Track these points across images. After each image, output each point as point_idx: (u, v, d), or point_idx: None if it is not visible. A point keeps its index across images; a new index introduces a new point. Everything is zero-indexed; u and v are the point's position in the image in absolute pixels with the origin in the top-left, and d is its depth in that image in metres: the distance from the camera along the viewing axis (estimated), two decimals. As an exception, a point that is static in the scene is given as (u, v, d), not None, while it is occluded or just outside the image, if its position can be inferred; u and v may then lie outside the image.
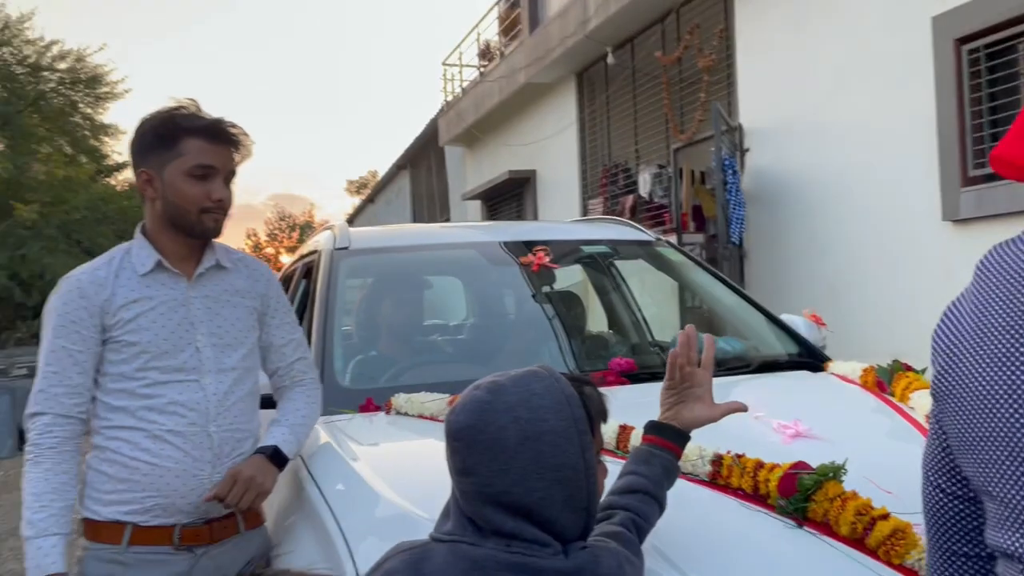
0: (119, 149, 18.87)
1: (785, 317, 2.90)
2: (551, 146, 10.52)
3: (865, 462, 1.55)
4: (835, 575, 1.29)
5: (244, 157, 1.79)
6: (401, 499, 1.58)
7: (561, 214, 10.44)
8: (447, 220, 15.83)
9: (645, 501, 1.27)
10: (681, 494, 1.42)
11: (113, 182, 20.08)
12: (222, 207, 1.75)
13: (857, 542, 1.33)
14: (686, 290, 3.37)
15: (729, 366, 2.53)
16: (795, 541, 1.36)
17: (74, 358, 1.69)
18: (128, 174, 21.18)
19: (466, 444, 1.09)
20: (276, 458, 1.76)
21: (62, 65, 17.57)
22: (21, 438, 10.23)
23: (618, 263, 3.37)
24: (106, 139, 20.11)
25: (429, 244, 3.08)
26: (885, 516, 1.33)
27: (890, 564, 1.29)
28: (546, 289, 2.95)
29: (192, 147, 1.71)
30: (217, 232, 1.78)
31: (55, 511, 1.63)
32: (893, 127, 5.38)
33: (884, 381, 2.15)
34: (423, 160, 17.91)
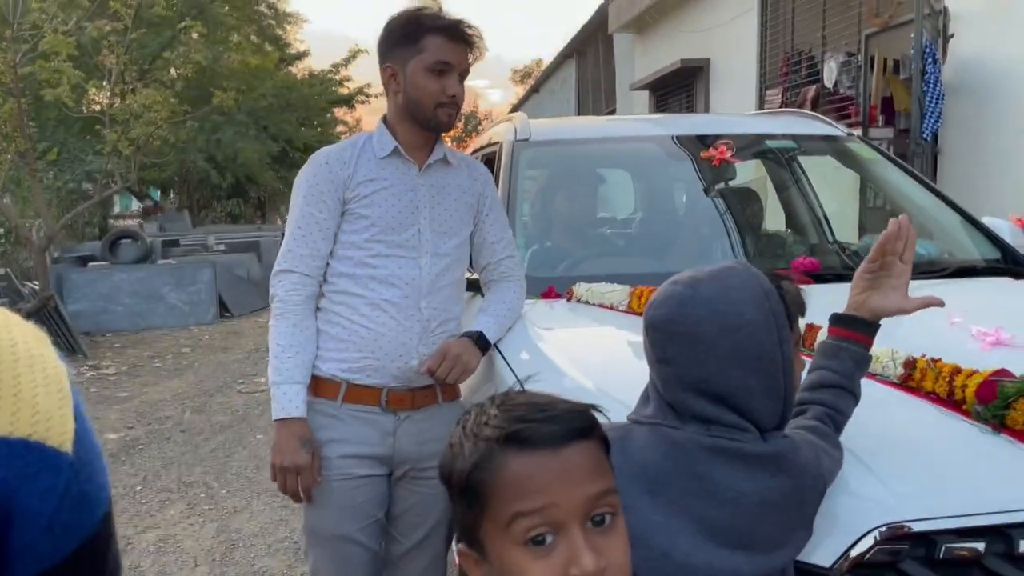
0: (301, 37, 19.67)
1: (987, 220, 2.72)
2: (728, 32, 9.97)
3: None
4: (1033, 483, 1.27)
5: (477, 58, 1.91)
6: (584, 377, 1.68)
7: (734, 106, 9.98)
8: (613, 111, 15.52)
9: (838, 395, 1.29)
10: (869, 395, 1.42)
11: (295, 70, 21.06)
12: (455, 102, 1.87)
13: (1059, 453, 1.30)
14: (878, 190, 3.19)
15: (923, 269, 2.43)
16: (993, 446, 1.34)
17: (320, 224, 1.88)
18: (308, 62, 22.09)
19: (665, 335, 1.14)
20: (481, 342, 1.92)
21: (246, -45, 18.27)
22: (223, 307, 11.24)
23: (803, 159, 3.24)
24: (288, 27, 21.00)
25: (609, 137, 3.09)
26: (1093, 429, 1.28)
27: (1094, 476, 1.26)
28: (725, 184, 2.90)
29: (433, 44, 1.83)
30: (451, 126, 1.91)
31: (300, 362, 1.85)
32: None
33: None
34: (590, 48, 17.48)
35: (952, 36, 6.26)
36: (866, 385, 1.50)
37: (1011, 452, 1.32)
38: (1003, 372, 1.41)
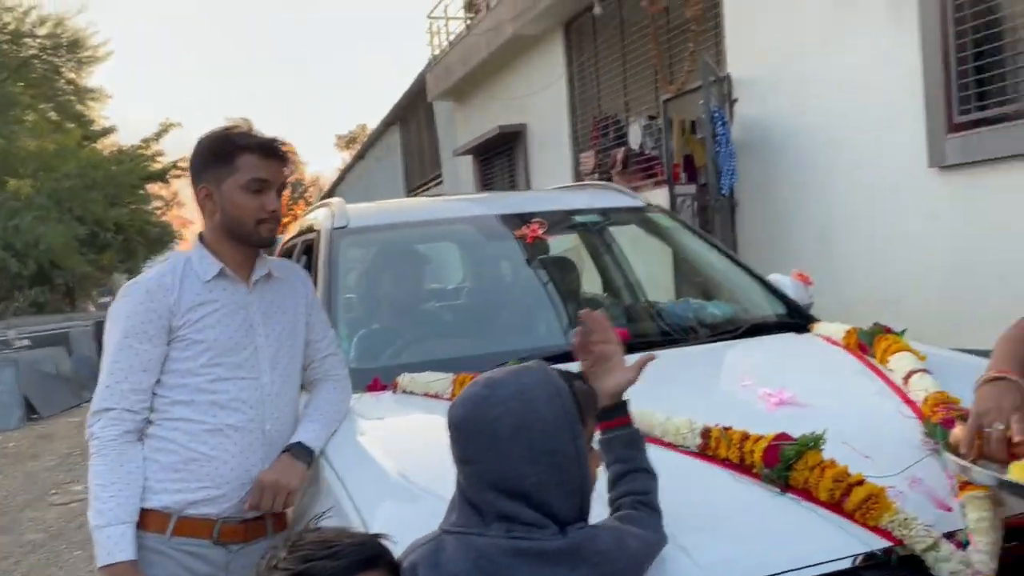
0: (105, 114, 18.73)
1: (773, 277, 3.00)
2: (541, 99, 10.49)
3: (844, 427, 1.66)
4: (815, 538, 1.41)
5: (291, 171, 1.93)
6: (411, 475, 1.70)
7: (553, 168, 10.46)
8: (439, 176, 15.80)
9: (633, 479, 1.38)
10: (672, 466, 1.53)
11: (100, 147, 19.95)
12: (276, 217, 1.89)
13: (835, 506, 1.45)
14: (679, 254, 3.45)
15: (720, 330, 2.64)
16: (778, 507, 1.47)
17: (141, 357, 1.80)
18: (115, 139, 20.99)
19: (466, 435, 1.20)
20: (302, 454, 1.88)
21: (42, 31, 17.32)
22: (30, 408, 10.28)
23: (612, 228, 3.45)
24: (92, 104, 19.93)
25: (426, 220, 3.16)
26: (860, 482, 1.44)
27: (866, 526, 1.41)
28: (541, 258, 3.03)
29: (247, 163, 1.84)
30: (272, 241, 1.92)
31: (123, 499, 1.74)
32: (879, 75, 5.41)
33: (865, 343, 2.26)
34: (412, 116, 17.79)
35: (736, 100, 6.92)
36: (668, 457, 1.62)
37: (796, 511, 1.46)
38: (783, 436, 1.56)
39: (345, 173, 29.91)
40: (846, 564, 1.35)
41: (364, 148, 24.89)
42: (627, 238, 3.49)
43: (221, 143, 1.86)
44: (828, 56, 5.85)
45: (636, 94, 8.83)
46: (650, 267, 3.66)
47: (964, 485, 1.45)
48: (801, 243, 6.25)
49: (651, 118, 8.44)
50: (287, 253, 3.33)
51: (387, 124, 19.93)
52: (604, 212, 3.26)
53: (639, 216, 3.27)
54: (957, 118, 4.93)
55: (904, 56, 5.16)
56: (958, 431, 1.48)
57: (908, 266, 5.35)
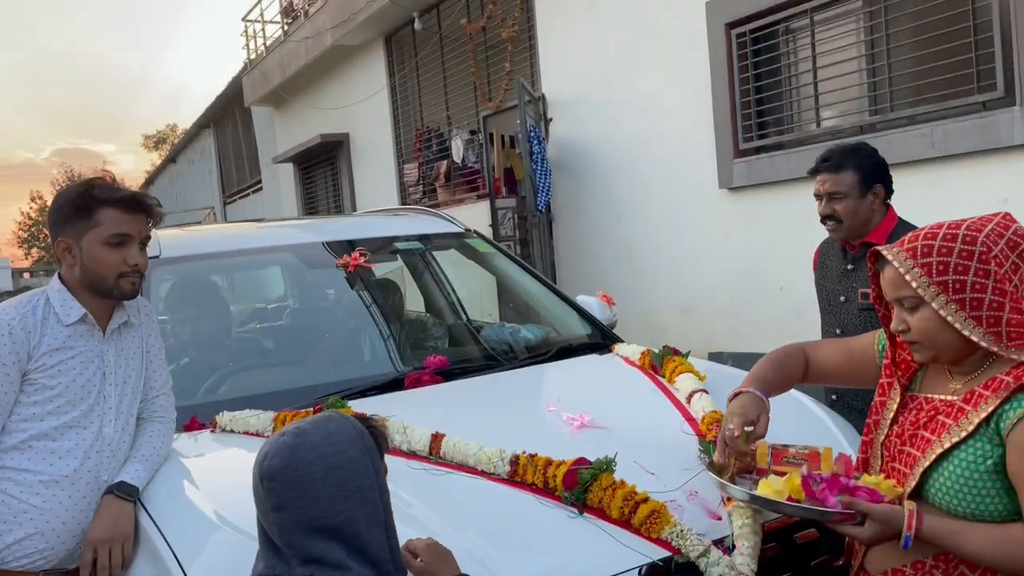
0: None
1: (580, 299, 3.24)
2: (363, 110, 10.46)
3: (635, 446, 1.88)
4: (606, 552, 1.59)
5: (156, 223, 1.92)
6: (232, 520, 1.73)
7: (377, 178, 10.45)
8: (258, 183, 15.31)
9: None
10: (485, 492, 1.67)
11: None
12: (138, 271, 1.86)
13: (625, 522, 1.64)
14: (496, 277, 3.64)
15: (533, 354, 2.83)
16: (576, 527, 1.65)
17: None
18: None
19: (281, 483, 1.28)
20: (125, 491, 1.86)
21: None
22: None
23: (434, 252, 3.57)
24: None
25: (245, 249, 3.13)
26: (646, 499, 1.65)
27: (650, 539, 1.61)
28: (364, 283, 3.10)
29: (108, 217, 1.82)
30: (134, 294, 1.89)
31: None
32: (675, 102, 5.89)
33: (656, 364, 2.52)
34: (228, 119, 17.10)
35: (551, 120, 7.27)
36: (481, 484, 1.76)
37: (591, 529, 1.64)
38: (582, 460, 1.74)
39: (154, 176, 28.21)
40: (633, 575, 1.54)
41: (176, 151, 23.61)
42: (448, 261, 3.63)
43: (81, 197, 1.83)
44: (631, 82, 6.29)
45: (458, 108, 9.03)
46: (469, 290, 3.82)
47: (729, 499, 1.69)
48: (612, 257, 6.68)
49: (472, 132, 8.67)
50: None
51: (200, 127, 19.04)
52: (425, 238, 3.38)
53: (458, 241, 3.41)
54: (742, 145, 5.47)
55: (697, 85, 5.66)
56: (718, 455, 1.72)
57: (703, 278, 5.87)
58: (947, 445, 1.40)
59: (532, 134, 6.70)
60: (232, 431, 2.21)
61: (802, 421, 2.13)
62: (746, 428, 1.66)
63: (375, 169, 10.52)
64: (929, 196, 4.03)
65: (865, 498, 1.42)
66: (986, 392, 1.39)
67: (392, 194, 10.00)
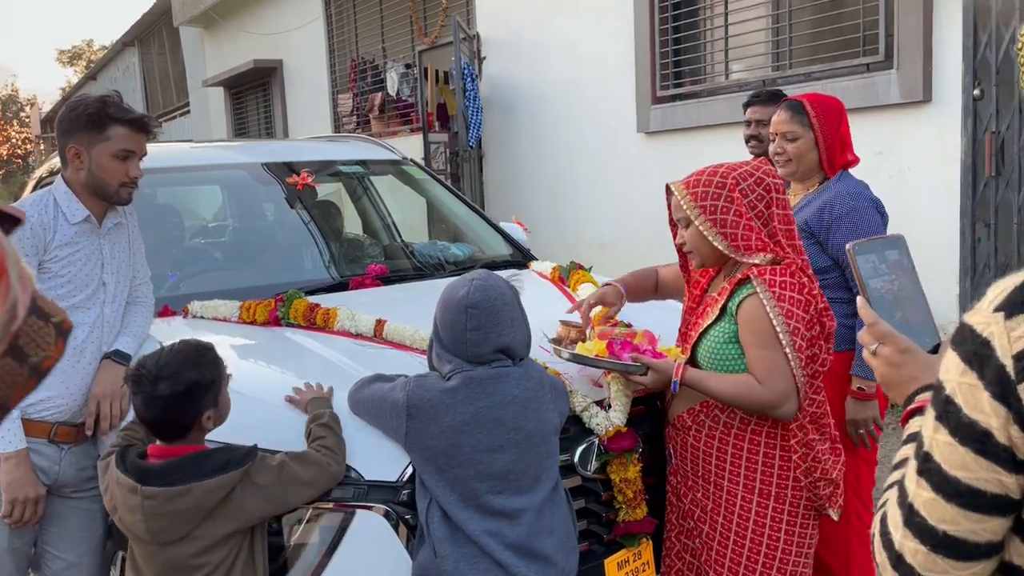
0: None
1: (503, 224, 3.67)
2: (297, 37, 10.49)
3: (541, 336, 2.33)
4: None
5: (153, 139, 2.26)
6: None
7: (310, 107, 10.56)
8: (186, 106, 15.09)
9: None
10: (414, 362, 2.11)
11: None
12: (135, 182, 2.19)
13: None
14: (430, 202, 4.04)
15: (461, 266, 3.26)
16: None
17: None
18: None
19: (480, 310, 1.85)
20: (120, 358, 2.23)
21: None
22: None
23: (372, 178, 3.94)
24: None
25: (196, 165, 3.44)
26: (545, 369, 2.11)
27: (546, 397, 2.08)
28: (309, 202, 3.46)
29: (118, 134, 2.13)
30: (130, 201, 2.23)
31: None
32: (601, 49, 6.29)
33: (564, 276, 2.98)
34: (155, 38, 16.65)
35: (485, 58, 7.57)
36: (411, 357, 2.20)
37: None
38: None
39: (73, 93, 27.08)
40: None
41: (96, 68, 22.76)
42: (384, 186, 4.00)
43: (96, 112, 2.12)
44: (560, 26, 6.64)
45: (393, 41, 9.20)
46: (404, 213, 4.21)
47: (609, 371, 2.17)
48: (537, 193, 7.11)
49: (408, 66, 8.88)
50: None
51: (124, 44, 18.44)
52: (364, 163, 3.74)
53: (395, 168, 3.79)
54: (659, 92, 5.93)
55: (621, 34, 6.07)
56: (560, 330, 2.25)
57: (621, 216, 6.36)
58: (704, 325, 1.99)
59: (466, 71, 7.00)
60: (202, 317, 2.58)
61: (663, 316, 2.62)
62: (605, 308, 2.25)
63: (309, 97, 10.61)
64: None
65: (650, 356, 2.02)
66: (728, 286, 1.95)
67: (326, 124, 10.15)
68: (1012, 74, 4.21)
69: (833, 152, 2.48)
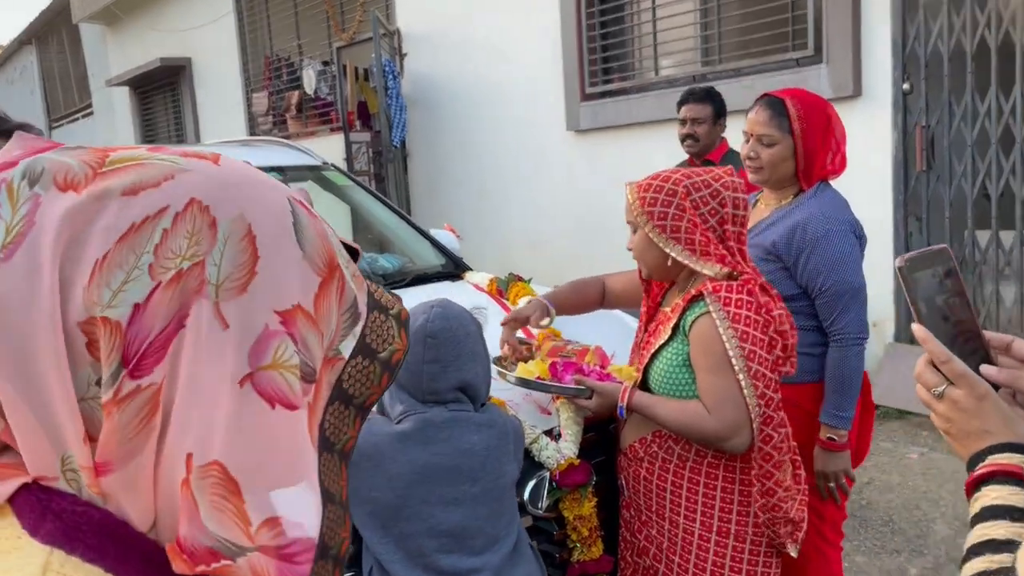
0: None
1: (434, 232, 3.45)
2: (207, 34, 9.99)
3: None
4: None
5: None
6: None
7: (223, 106, 10.08)
8: (89, 107, 14.30)
9: None
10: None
11: None
12: None
13: (470, 419, 1.90)
14: (355, 210, 3.78)
15: (391, 280, 3.03)
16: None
17: None
18: None
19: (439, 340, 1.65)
20: None
21: None
22: None
23: (291, 184, 3.66)
24: None
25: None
26: (489, 399, 1.92)
27: (491, 431, 1.88)
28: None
29: None
30: None
31: None
32: (528, 45, 6.12)
33: (503, 289, 2.79)
34: (53, 36, 15.73)
35: (406, 55, 7.31)
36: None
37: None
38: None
39: (-35, 95, 25.50)
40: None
41: (-10, 68, 21.43)
42: (311, 194, 3.73)
43: None
44: (486, 23, 6.44)
45: (309, 38, 8.84)
46: (327, 222, 3.93)
47: (558, 396, 1.99)
48: (465, 193, 6.90)
49: (325, 63, 8.53)
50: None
51: (21, 43, 17.40)
52: (281, 169, 3.46)
53: (315, 173, 3.52)
54: (588, 89, 5.79)
55: (548, 29, 5.90)
56: (506, 350, 2.08)
57: (551, 215, 6.21)
58: (656, 345, 1.81)
59: (387, 68, 6.73)
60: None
61: (616, 332, 2.46)
62: (542, 323, 2.08)
63: (221, 97, 10.14)
64: (747, 143, 4.50)
65: (595, 379, 1.85)
66: (681, 303, 1.78)
67: (240, 124, 9.71)
68: (941, 68, 4.22)
69: (812, 163, 2.16)
